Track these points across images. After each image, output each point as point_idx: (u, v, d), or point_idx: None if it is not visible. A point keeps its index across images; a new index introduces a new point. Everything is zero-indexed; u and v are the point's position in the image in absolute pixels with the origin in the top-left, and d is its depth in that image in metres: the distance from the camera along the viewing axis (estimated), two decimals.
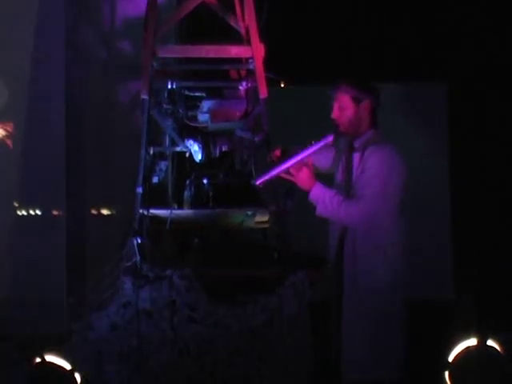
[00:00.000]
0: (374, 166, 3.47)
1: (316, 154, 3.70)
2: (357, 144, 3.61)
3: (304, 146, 3.60)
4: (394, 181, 3.50)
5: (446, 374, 3.59)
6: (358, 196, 3.48)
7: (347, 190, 3.56)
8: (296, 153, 3.59)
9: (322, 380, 3.84)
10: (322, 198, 3.51)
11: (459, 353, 3.61)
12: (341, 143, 3.74)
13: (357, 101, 3.57)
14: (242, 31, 4.21)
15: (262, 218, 4.08)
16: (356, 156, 3.58)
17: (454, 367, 3.59)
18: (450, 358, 3.60)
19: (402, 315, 3.57)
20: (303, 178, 3.55)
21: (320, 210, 3.54)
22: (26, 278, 4.93)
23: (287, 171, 3.60)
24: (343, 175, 3.65)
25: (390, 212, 3.51)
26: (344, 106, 3.59)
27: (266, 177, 3.62)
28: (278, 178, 3.65)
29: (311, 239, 4.19)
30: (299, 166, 3.56)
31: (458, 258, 5.55)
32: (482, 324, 3.72)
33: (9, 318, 4.76)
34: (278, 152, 3.83)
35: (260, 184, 3.63)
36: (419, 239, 3.67)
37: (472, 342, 3.61)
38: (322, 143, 3.57)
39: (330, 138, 3.56)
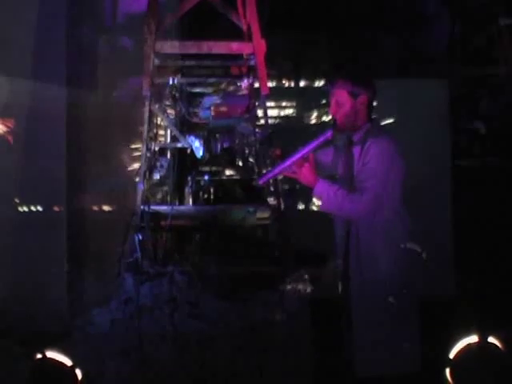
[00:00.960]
0: (374, 158, 3.46)
1: (318, 155, 3.69)
2: (355, 138, 3.61)
3: (304, 143, 3.59)
4: (394, 171, 3.48)
5: (448, 370, 3.59)
6: (361, 189, 3.47)
7: (349, 184, 3.56)
8: (296, 150, 3.58)
9: (322, 377, 3.84)
10: (327, 193, 3.50)
11: (460, 350, 3.59)
12: (339, 140, 3.73)
13: (354, 96, 3.57)
14: (244, 28, 4.21)
15: (263, 214, 4.07)
16: (356, 150, 3.57)
17: (455, 364, 3.58)
18: (452, 355, 3.59)
19: (413, 310, 3.52)
20: (306, 175, 3.54)
21: (325, 205, 3.53)
22: (27, 275, 4.92)
23: (289, 169, 3.59)
24: (344, 170, 3.65)
25: (392, 204, 3.51)
26: (341, 101, 3.58)
27: (269, 176, 3.61)
28: (280, 176, 3.63)
29: (312, 236, 4.18)
30: (301, 162, 3.55)
31: (459, 256, 5.54)
32: (483, 321, 3.71)
33: (10, 316, 4.75)
34: (278, 151, 3.81)
35: (263, 183, 3.62)
36: (419, 237, 3.64)
37: (473, 339, 3.60)
38: (321, 139, 3.55)
39: (329, 134, 3.54)
